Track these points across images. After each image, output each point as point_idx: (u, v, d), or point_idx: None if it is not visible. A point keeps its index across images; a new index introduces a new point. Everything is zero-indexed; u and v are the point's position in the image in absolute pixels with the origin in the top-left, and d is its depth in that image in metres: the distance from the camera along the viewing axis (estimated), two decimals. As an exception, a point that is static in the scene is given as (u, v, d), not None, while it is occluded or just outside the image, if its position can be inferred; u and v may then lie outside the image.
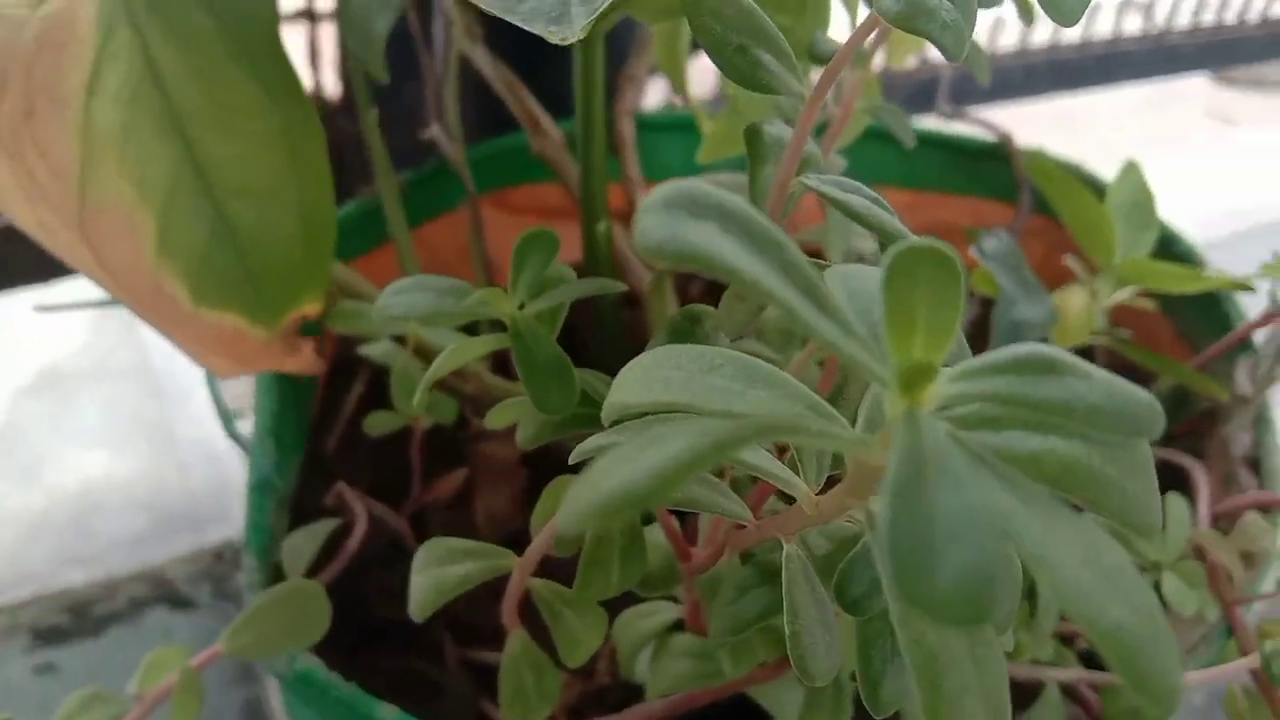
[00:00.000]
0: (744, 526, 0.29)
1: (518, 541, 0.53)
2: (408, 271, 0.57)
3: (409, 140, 0.64)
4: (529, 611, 0.40)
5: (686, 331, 0.29)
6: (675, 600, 0.42)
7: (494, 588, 0.53)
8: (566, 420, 0.31)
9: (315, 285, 0.44)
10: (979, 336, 0.54)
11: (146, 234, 0.41)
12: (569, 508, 0.14)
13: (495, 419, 0.34)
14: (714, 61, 0.28)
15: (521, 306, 0.32)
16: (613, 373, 0.33)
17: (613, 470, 0.15)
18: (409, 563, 0.53)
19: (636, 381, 0.19)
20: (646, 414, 0.24)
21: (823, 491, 0.25)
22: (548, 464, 0.58)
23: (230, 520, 0.86)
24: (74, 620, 0.80)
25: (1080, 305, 0.50)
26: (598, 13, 0.29)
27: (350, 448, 0.56)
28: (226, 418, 0.51)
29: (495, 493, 0.54)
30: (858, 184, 0.28)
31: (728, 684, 0.41)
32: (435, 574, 0.33)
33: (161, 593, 0.83)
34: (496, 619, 0.52)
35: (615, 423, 0.25)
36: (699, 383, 0.21)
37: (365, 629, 0.49)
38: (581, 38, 0.28)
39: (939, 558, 0.14)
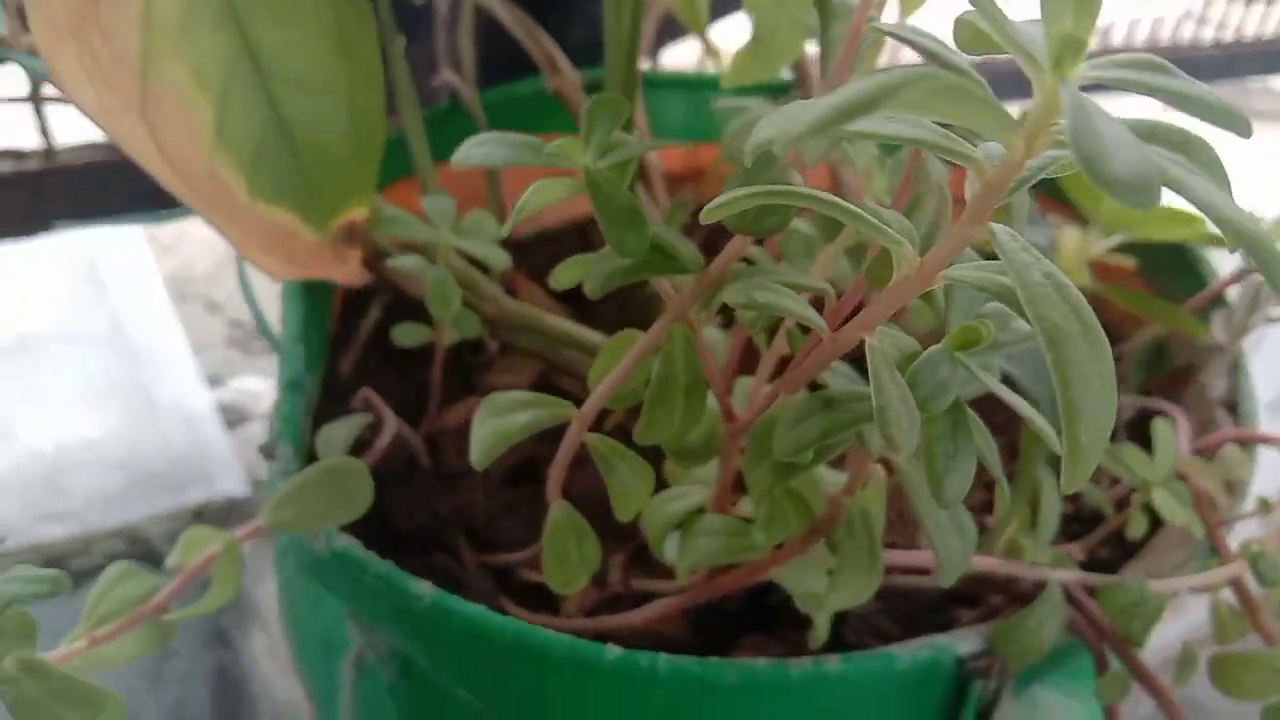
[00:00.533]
0: (804, 360, 0.31)
1: (530, 465, 0.55)
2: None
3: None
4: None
5: (765, 163, 0.31)
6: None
7: (509, 504, 0.54)
8: (639, 264, 0.33)
9: (363, 186, 0.45)
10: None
11: (204, 121, 0.43)
12: (782, 126, 0.16)
13: (561, 277, 0.35)
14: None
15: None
16: (633, 300, 0.35)
17: (816, 103, 0.17)
18: (426, 479, 0.54)
19: (778, 120, 0.21)
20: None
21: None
22: (556, 395, 0.59)
23: (211, 482, 0.86)
24: (49, 574, 0.79)
25: (1075, 243, 0.53)
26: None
27: (366, 373, 0.57)
28: (260, 319, 0.52)
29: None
30: (926, 31, 0.30)
31: (752, 567, 0.42)
32: (497, 422, 0.35)
33: (138, 550, 0.83)
34: (512, 534, 0.53)
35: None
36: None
37: (385, 541, 0.50)
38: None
39: (1112, 154, 0.17)
